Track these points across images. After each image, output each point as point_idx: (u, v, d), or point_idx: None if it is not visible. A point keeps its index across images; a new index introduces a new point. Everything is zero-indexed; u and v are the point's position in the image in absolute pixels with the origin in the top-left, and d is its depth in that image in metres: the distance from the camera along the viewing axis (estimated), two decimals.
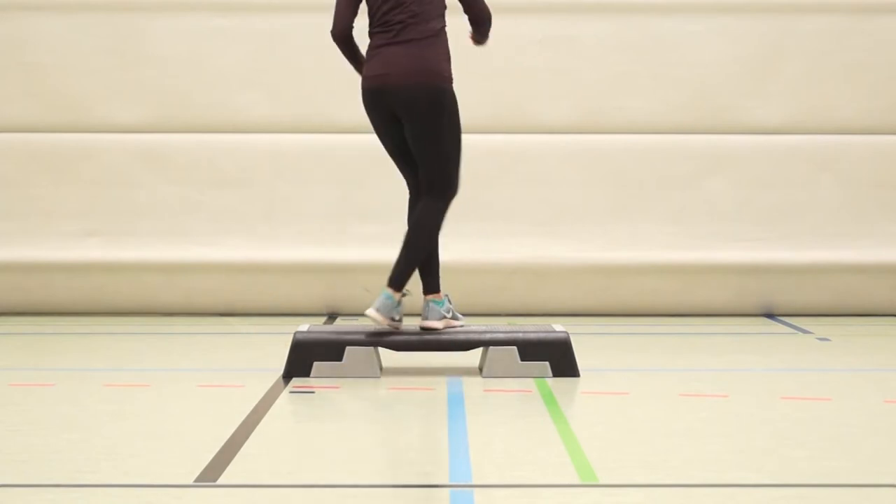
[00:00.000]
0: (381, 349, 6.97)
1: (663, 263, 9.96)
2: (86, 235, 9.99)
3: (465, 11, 6.94)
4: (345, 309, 9.96)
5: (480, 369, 7.06)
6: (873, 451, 5.17)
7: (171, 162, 10.00)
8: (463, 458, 5.00)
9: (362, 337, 6.94)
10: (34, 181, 9.99)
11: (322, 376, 6.86)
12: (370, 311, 6.81)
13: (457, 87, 6.94)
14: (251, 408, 6.03)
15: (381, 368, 6.98)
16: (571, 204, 10.03)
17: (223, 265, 9.95)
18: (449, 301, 7.07)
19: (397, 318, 6.86)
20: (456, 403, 6.18)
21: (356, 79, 7.08)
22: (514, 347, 6.93)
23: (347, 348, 6.89)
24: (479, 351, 7.13)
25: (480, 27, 6.98)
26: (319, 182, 10.02)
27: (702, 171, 10.04)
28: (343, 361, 6.89)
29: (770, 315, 10.03)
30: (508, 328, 7.10)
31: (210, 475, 4.71)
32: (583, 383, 6.79)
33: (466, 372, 7.05)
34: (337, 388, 6.65)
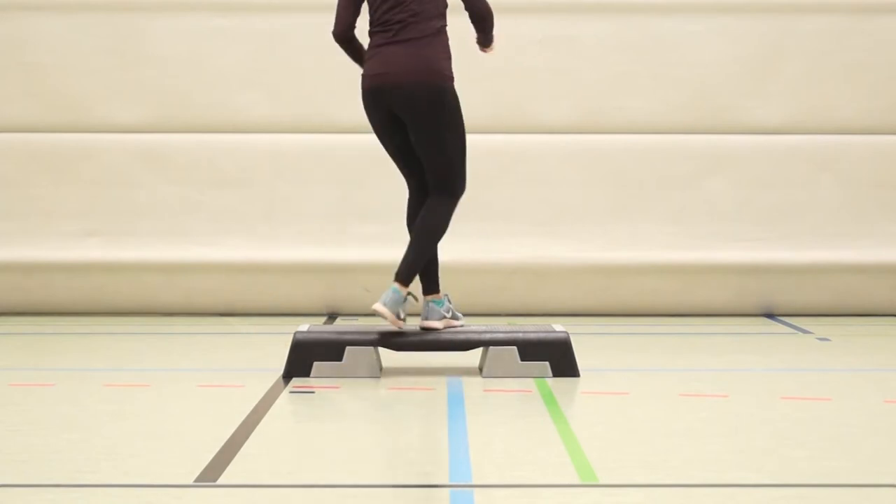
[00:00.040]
0: (381, 349, 6.97)
1: (663, 263, 9.96)
2: (86, 235, 9.99)
3: (466, 8, 6.94)
4: (345, 309, 9.96)
5: (480, 369, 7.06)
6: (873, 451, 5.17)
7: (171, 162, 10.01)
8: (463, 458, 5.00)
9: (362, 337, 6.94)
10: (34, 181, 9.99)
11: (322, 376, 6.86)
12: (377, 305, 6.76)
13: (457, 87, 6.94)
14: (251, 408, 6.03)
15: (381, 368, 6.98)
16: (571, 204, 10.03)
17: (223, 265, 9.95)
18: (449, 301, 7.08)
19: (402, 316, 6.83)
20: (456, 403, 6.18)
21: (356, 79, 7.08)
22: (514, 347, 6.93)
23: (347, 348, 6.89)
24: (479, 351, 7.13)
25: (481, 24, 6.98)
26: (319, 182, 10.02)
27: (702, 171, 10.04)
28: (343, 361, 6.89)
29: (770, 315, 10.03)
30: (508, 328, 7.10)
31: (210, 475, 4.71)
32: (583, 383, 6.79)
33: (466, 372, 7.05)
34: (337, 388, 6.65)
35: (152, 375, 7.20)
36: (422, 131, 6.89)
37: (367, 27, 6.99)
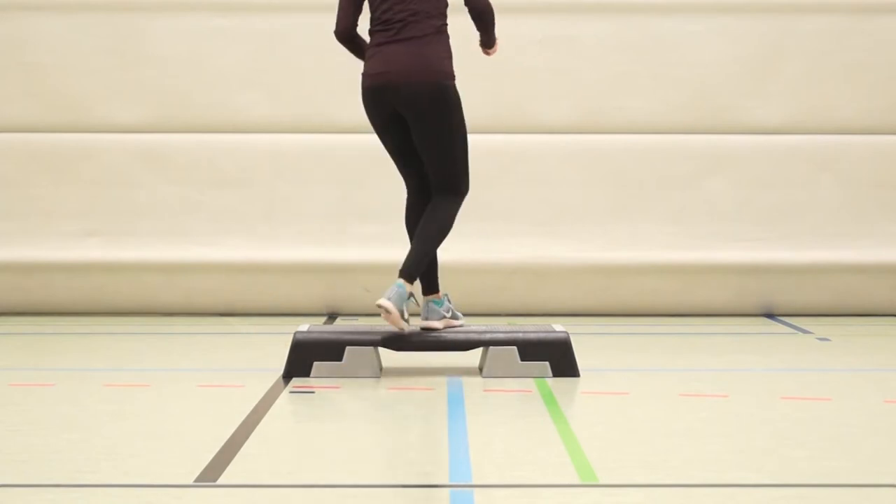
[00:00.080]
0: (381, 349, 6.96)
1: (663, 263, 9.96)
2: (86, 235, 9.99)
3: (466, 3, 6.93)
4: (345, 309, 9.96)
5: (480, 369, 7.06)
6: (873, 451, 5.17)
7: (171, 162, 10.01)
8: (463, 458, 5.00)
9: (362, 337, 6.94)
10: (34, 181, 9.99)
11: (322, 376, 6.86)
12: (382, 300, 6.70)
13: (457, 86, 6.94)
14: (251, 408, 6.03)
15: (381, 368, 6.98)
16: (571, 204, 10.03)
17: (223, 265, 9.95)
18: (448, 300, 7.08)
19: (406, 316, 6.79)
20: (456, 403, 6.18)
21: (356, 79, 7.08)
22: (514, 347, 6.93)
23: (347, 348, 6.89)
24: (479, 351, 7.13)
25: (481, 21, 6.96)
26: (319, 182, 10.02)
27: (702, 171, 10.04)
28: (343, 361, 6.89)
29: (770, 315, 10.03)
30: (508, 328, 7.10)
31: (210, 475, 4.71)
32: (583, 383, 6.79)
33: (466, 372, 7.05)
34: (337, 388, 6.65)
35: (152, 375, 7.20)
36: (424, 130, 6.89)
37: (367, 26, 6.99)
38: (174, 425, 5.73)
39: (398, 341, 6.92)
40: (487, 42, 7.08)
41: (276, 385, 6.67)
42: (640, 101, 10.03)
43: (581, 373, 6.95)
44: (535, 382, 6.74)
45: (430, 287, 7.06)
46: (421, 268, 6.87)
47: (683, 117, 10.04)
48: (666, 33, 10.04)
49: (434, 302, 7.03)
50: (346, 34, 6.99)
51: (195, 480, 4.63)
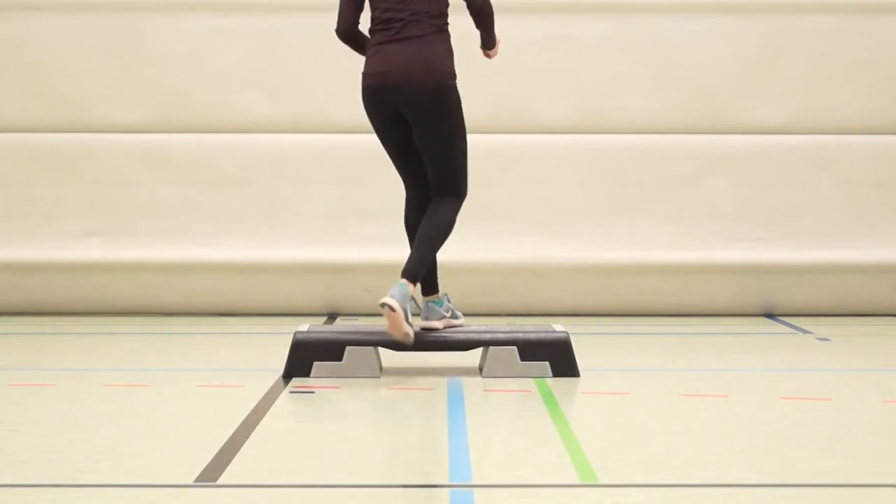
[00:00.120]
0: (381, 349, 6.96)
1: (663, 263, 9.96)
2: (86, 235, 9.99)
3: (466, 1, 6.93)
4: (345, 309, 9.96)
5: (480, 369, 7.06)
6: (873, 451, 5.17)
7: (171, 162, 10.01)
8: (463, 458, 4.99)
9: (362, 337, 6.94)
10: (34, 181, 9.99)
11: (322, 376, 6.86)
12: (386, 298, 6.63)
13: (458, 86, 6.94)
14: (251, 408, 6.03)
15: (381, 368, 6.98)
16: (571, 204, 10.03)
17: (223, 265, 9.95)
18: (448, 300, 7.07)
19: (410, 319, 6.73)
20: (456, 403, 6.18)
21: (356, 79, 7.08)
22: (514, 347, 6.93)
23: (347, 348, 6.89)
24: (479, 351, 7.13)
25: (480, 19, 6.95)
26: (319, 182, 10.02)
27: (702, 171, 10.04)
28: (343, 361, 6.89)
29: (770, 315, 10.03)
30: (508, 328, 7.10)
31: (210, 475, 4.71)
32: (583, 383, 6.79)
33: (466, 372, 7.05)
34: (337, 388, 6.65)
35: (152, 375, 7.20)
36: (425, 130, 6.89)
37: (367, 25, 6.99)
38: (174, 425, 5.73)
39: (398, 341, 6.91)
40: (488, 42, 7.08)
41: (276, 385, 6.67)
42: (640, 101, 10.03)
43: (581, 373, 6.95)
44: (535, 382, 6.74)
45: (430, 287, 7.06)
46: (423, 269, 6.86)
47: (683, 117, 10.04)
48: (666, 33, 10.04)
49: (434, 302, 7.03)
50: (347, 33, 7.00)
51: (195, 480, 4.63)
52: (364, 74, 6.98)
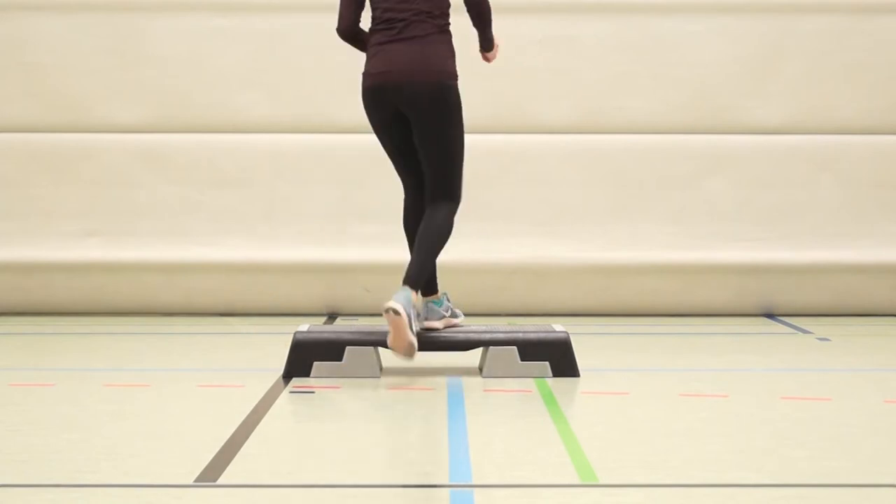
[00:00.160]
0: (381, 349, 6.96)
1: (663, 263, 9.96)
2: (86, 235, 9.99)
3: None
4: (345, 309, 9.96)
5: (480, 369, 7.06)
6: (873, 451, 5.17)
7: (171, 162, 10.01)
8: (463, 458, 4.99)
9: (362, 337, 6.94)
10: (34, 181, 9.99)
11: (322, 376, 6.86)
12: (391, 302, 6.58)
13: (459, 86, 6.94)
14: (251, 408, 6.03)
15: (381, 368, 6.98)
16: (571, 204, 10.03)
17: (223, 265, 9.95)
18: (447, 299, 7.07)
19: (414, 327, 6.70)
20: (456, 403, 6.18)
21: (356, 79, 7.08)
22: (514, 347, 6.92)
23: (347, 348, 6.89)
24: (479, 351, 7.13)
25: (480, 18, 6.94)
26: (319, 182, 10.02)
27: (702, 171, 10.04)
28: (343, 361, 6.89)
29: (770, 315, 10.03)
30: (508, 328, 7.10)
31: (210, 475, 4.70)
32: (583, 383, 6.79)
33: (466, 372, 7.05)
34: (337, 388, 6.65)
35: (152, 375, 7.20)
36: (425, 130, 6.89)
37: (368, 25, 6.99)
38: (174, 425, 5.73)
39: None
40: (486, 45, 7.07)
41: (276, 385, 6.67)
42: (640, 101, 10.03)
43: (581, 373, 6.95)
44: (535, 382, 6.74)
45: (430, 288, 7.05)
46: (425, 276, 6.84)
47: (683, 117, 10.04)
48: (666, 33, 10.04)
49: (433, 302, 7.03)
50: (348, 32, 6.99)
51: (195, 480, 4.63)
52: (365, 74, 6.98)
